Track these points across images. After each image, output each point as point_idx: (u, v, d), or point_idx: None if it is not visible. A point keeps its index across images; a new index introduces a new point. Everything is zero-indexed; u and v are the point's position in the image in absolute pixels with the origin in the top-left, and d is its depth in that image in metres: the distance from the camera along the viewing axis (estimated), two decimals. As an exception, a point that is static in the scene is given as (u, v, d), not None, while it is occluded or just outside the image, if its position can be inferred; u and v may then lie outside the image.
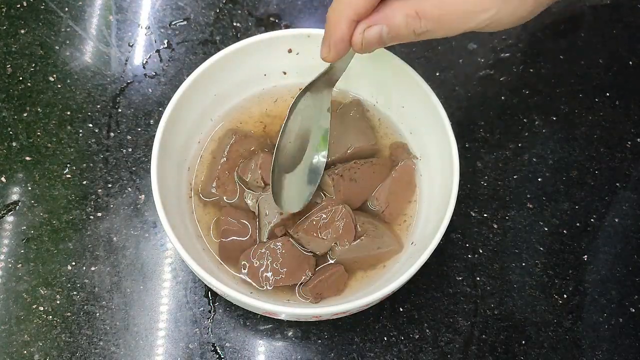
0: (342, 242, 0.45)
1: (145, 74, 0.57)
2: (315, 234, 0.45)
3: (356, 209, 0.47)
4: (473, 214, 0.52)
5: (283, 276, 0.44)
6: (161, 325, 0.47)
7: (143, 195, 0.52)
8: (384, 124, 0.51)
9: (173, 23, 0.60)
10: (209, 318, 0.48)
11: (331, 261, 0.45)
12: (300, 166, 0.46)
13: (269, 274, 0.44)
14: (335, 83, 0.45)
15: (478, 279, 0.49)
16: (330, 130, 0.48)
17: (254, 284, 0.44)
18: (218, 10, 0.61)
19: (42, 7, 0.60)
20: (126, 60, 0.58)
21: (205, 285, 0.48)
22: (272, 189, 0.44)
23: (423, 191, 0.48)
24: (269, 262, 0.44)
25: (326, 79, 0.44)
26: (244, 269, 0.45)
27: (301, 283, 0.44)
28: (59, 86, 0.56)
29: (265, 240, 0.45)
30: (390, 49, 0.48)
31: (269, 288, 0.44)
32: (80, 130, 0.54)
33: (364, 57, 0.49)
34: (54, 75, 0.57)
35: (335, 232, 0.44)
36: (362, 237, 0.45)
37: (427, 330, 0.47)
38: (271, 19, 0.60)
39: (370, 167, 0.47)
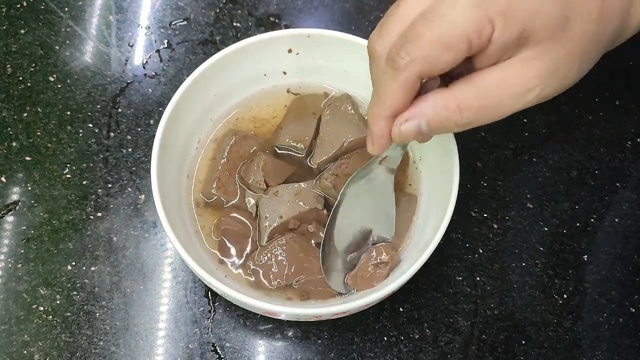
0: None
1: (145, 74, 0.57)
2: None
3: None
4: (473, 214, 0.52)
5: (292, 272, 0.44)
6: (161, 325, 0.47)
7: (143, 195, 0.52)
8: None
9: (173, 23, 0.60)
10: (209, 318, 0.48)
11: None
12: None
13: (277, 272, 0.44)
14: (394, 171, 0.43)
15: (478, 278, 0.49)
16: (322, 125, 0.49)
17: (265, 282, 0.44)
18: (218, 10, 0.61)
19: (42, 7, 0.60)
20: (126, 60, 0.58)
21: (205, 285, 0.48)
22: (326, 269, 0.44)
23: (423, 191, 0.48)
24: (275, 262, 0.44)
25: (385, 167, 0.43)
26: (252, 273, 0.45)
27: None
28: (59, 86, 0.56)
29: (264, 243, 0.45)
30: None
31: (282, 284, 0.44)
32: (80, 130, 0.54)
33: (363, 57, 0.49)
34: (54, 75, 0.57)
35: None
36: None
37: (427, 330, 0.47)
38: (271, 19, 0.60)
39: (358, 157, 0.48)
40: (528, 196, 0.53)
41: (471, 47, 0.33)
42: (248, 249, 0.46)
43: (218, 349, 0.47)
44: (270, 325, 0.47)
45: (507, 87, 0.34)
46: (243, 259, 0.46)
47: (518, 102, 0.35)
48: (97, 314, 0.47)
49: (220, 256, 0.46)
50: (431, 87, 0.36)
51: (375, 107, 0.37)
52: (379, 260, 0.44)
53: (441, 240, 0.42)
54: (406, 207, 0.47)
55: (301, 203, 0.46)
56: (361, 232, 0.45)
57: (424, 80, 0.36)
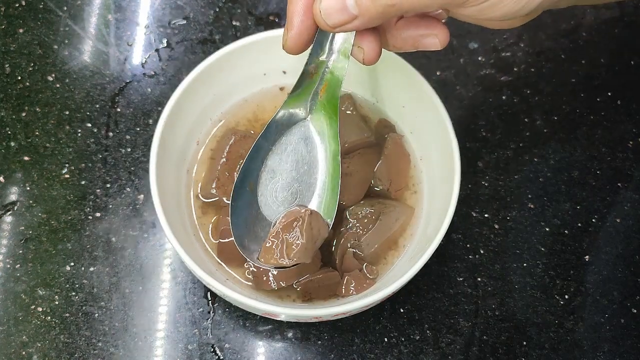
0: (362, 233, 0.44)
1: (144, 74, 0.57)
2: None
3: (363, 198, 0.47)
4: (474, 214, 0.51)
5: (291, 273, 0.44)
6: (160, 326, 0.47)
7: (142, 196, 0.51)
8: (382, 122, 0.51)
9: (172, 22, 0.60)
10: (208, 319, 0.47)
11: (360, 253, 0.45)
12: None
13: (277, 273, 0.44)
14: (337, 107, 0.37)
15: (479, 279, 0.49)
16: None
17: (265, 287, 0.44)
18: (217, 9, 0.60)
19: (41, 6, 0.60)
20: (125, 60, 0.58)
21: (205, 286, 0.48)
22: (240, 233, 0.37)
23: (424, 191, 0.48)
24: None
25: (325, 101, 0.36)
26: (252, 274, 0.44)
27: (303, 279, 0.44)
28: (58, 86, 0.56)
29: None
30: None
31: (282, 285, 0.44)
32: (79, 130, 0.54)
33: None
34: (53, 75, 0.56)
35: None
36: (380, 217, 0.45)
37: (428, 331, 0.47)
38: (271, 17, 0.60)
39: (360, 157, 0.47)
40: (529, 196, 0.52)
41: None
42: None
43: (217, 350, 0.46)
44: (269, 326, 0.47)
45: None
46: (242, 260, 0.45)
47: None
48: (96, 315, 0.47)
49: (219, 257, 0.45)
50: None
51: None
52: (287, 233, 0.37)
53: (442, 241, 0.41)
54: (398, 217, 0.46)
55: (301, 203, 0.45)
56: (293, 192, 0.38)
57: None
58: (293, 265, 0.38)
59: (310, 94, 0.37)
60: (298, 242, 0.37)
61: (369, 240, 0.45)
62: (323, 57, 0.36)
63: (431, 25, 0.36)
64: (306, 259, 0.38)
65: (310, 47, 0.35)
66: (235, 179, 0.39)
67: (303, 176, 0.38)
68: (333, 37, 0.35)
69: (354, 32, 0.34)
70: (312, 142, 0.38)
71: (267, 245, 0.38)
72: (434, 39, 0.36)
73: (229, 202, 0.47)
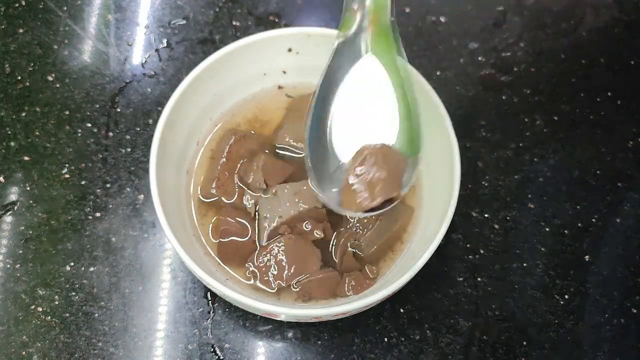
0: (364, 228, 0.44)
1: (144, 74, 0.57)
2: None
3: None
4: (474, 214, 0.51)
5: (292, 272, 0.44)
6: (160, 326, 0.47)
7: (142, 195, 0.51)
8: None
9: (172, 22, 0.60)
10: (208, 319, 0.47)
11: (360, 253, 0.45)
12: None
13: (277, 273, 0.44)
14: (398, 38, 0.34)
15: (479, 279, 0.49)
16: None
17: (265, 287, 0.44)
18: (217, 9, 0.60)
19: (41, 6, 0.60)
20: (125, 60, 0.58)
21: (205, 286, 0.48)
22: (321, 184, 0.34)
23: (424, 191, 0.48)
24: (275, 262, 0.44)
25: (381, 33, 0.34)
26: (252, 276, 0.44)
27: (298, 280, 0.44)
28: (58, 86, 0.56)
29: (264, 243, 0.45)
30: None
31: (282, 285, 0.44)
32: (79, 130, 0.54)
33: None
34: (53, 75, 0.56)
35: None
36: (380, 217, 0.45)
37: (428, 331, 0.47)
38: (271, 17, 0.60)
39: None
40: (529, 196, 0.52)
41: None
42: (247, 249, 0.46)
43: (217, 349, 0.46)
44: (269, 326, 0.47)
45: None
46: (242, 260, 0.45)
47: None
48: (96, 315, 0.47)
49: (219, 257, 0.45)
50: None
51: None
52: (372, 175, 0.35)
53: (442, 241, 0.41)
54: (398, 217, 0.46)
55: (301, 202, 0.45)
56: (361, 131, 0.36)
57: None
58: (380, 207, 0.35)
59: (360, 30, 0.35)
60: (378, 176, 0.35)
61: (369, 240, 0.45)
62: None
63: None
64: (392, 193, 0.35)
65: None
66: (306, 129, 0.36)
67: (373, 112, 0.36)
68: None
69: None
70: (374, 77, 0.36)
71: (347, 190, 0.36)
72: None
73: (229, 201, 0.47)
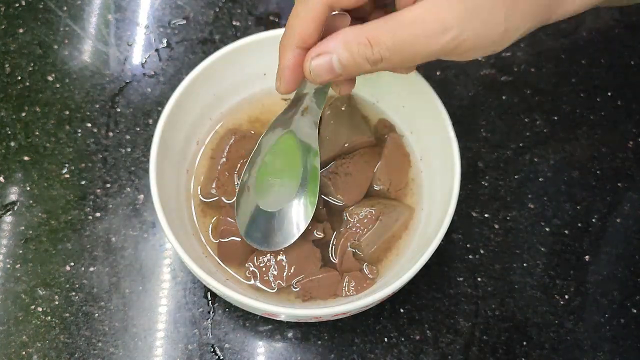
0: (362, 231, 0.45)
1: (144, 74, 0.57)
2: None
3: (363, 198, 0.47)
4: (474, 214, 0.51)
5: (292, 272, 0.44)
6: (160, 326, 0.47)
7: (142, 195, 0.51)
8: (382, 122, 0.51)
9: (172, 22, 0.60)
10: (208, 319, 0.47)
11: (360, 253, 0.45)
12: (286, 206, 0.44)
13: (277, 273, 0.44)
14: (317, 124, 0.43)
15: (479, 279, 0.49)
16: (323, 126, 0.48)
17: (265, 288, 0.44)
18: (217, 9, 0.60)
19: (41, 6, 0.60)
20: (125, 60, 0.58)
21: (205, 286, 0.48)
22: (244, 227, 0.43)
23: (424, 191, 0.48)
24: (275, 262, 0.44)
25: (308, 119, 0.43)
26: (252, 276, 0.44)
27: (298, 281, 0.44)
28: (58, 86, 0.56)
29: (235, 199, 0.45)
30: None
31: (282, 285, 0.44)
32: (79, 130, 0.54)
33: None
34: (53, 75, 0.56)
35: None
36: (380, 218, 0.45)
37: (428, 331, 0.47)
38: (271, 17, 0.60)
39: (360, 157, 0.47)
40: (529, 196, 0.52)
41: None
42: (247, 249, 0.45)
43: (217, 350, 0.46)
44: (269, 326, 0.47)
45: (422, 24, 0.33)
46: (242, 260, 0.45)
47: (433, 42, 0.33)
48: (96, 315, 0.47)
49: (219, 257, 0.45)
50: (343, 26, 0.36)
51: (284, 37, 0.36)
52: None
53: (442, 241, 0.41)
54: (398, 217, 0.46)
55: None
56: (283, 187, 0.43)
57: (333, 13, 0.36)
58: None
59: (293, 113, 0.43)
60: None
61: (369, 240, 0.45)
62: (305, 90, 0.42)
63: None
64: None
65: None
66: (237, 189, 0.45)
67: (285, 172, 0.44)
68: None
69: None
70: (292, 146, 0.44)
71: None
72: None
73: (229, 201, 0.47)
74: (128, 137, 0.54)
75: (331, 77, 0.36)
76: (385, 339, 0.47)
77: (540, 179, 0.53)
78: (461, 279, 0.49)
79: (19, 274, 0.48)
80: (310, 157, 0.44)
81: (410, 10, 0.33)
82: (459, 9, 0.33)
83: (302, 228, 0.43)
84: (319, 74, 0.36)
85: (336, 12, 0.36)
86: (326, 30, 0.36)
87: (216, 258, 0.45)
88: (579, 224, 0.51)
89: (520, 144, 0.54)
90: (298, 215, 0.43)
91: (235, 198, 0.44)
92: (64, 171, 0.52)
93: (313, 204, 0.43)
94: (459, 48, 0.34)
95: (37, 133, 0.54)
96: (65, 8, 0.60)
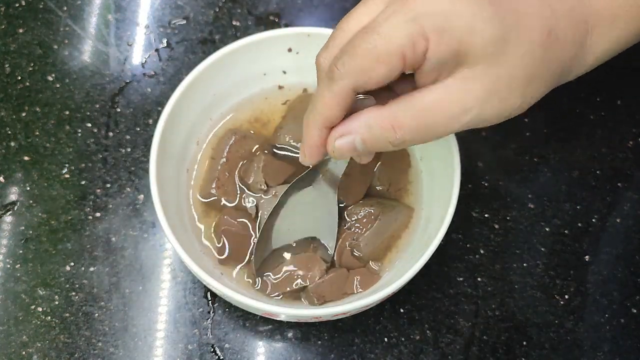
0: (361, 232, 0.45)
1: (144, 74, 0.57)
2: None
3: (362, 198, 0.47)
4: (474, 214, 0.51)
5: (294, 274, 0.44)
6: (160, 326, 0.47)
7: (142, 195, 0.51)
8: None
9: (172, 22, 0.60)
10: (208, 319, 0.47)
11: (357, 253, 0.45)
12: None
13: (278, 281, 0.44)
14: (337, 184, 0.44)
15: (479, 279, 0.49)
16: None
17: (265, 293, 0.44)
18: (217, 9, 0.60)
19: (41, 6, 0.60)
20: (125, 60, 0.58)
21: (205, 286, 0.48)
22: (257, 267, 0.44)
23: (424, 191, 0.48)
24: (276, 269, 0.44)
25: (327, 179, 0.44)
26: (254, 278, 0.45)
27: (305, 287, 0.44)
28: (58, 86, 0.56)
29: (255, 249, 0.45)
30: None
31: (287, 290, 0.44)
32: (79, 130, 0.54)
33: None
34: (53, 75, 0.56)
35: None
36: (380, 217, 0.45)
37: (428, 331, 0.47)
38: (271, 17, 0.60)
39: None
40: (529, 196, 0.52)
41: (405, 62, 0.33)
42: (248, 250, 0.46)
43: (217, 350, 0.46)
44: (270, 326, 0.47)
45: (443, 108, 0.34)
46: (243, 260, 0.45)
47: (454, 123, 0.34)
48: (96, 315, 0.47)
49: (219, 257, 0.45)
50: (367, 105, 0.36)
51: (310, 115, 0.37)
52: (298, 270, 0.44)
53: (442, 241, 0.41)
54: (397, 217, 0.46)
55: (301, 203, 0.46)
56: (298, 235, 0.45)
57: (359, 96, 0.36)
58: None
59: (316, 175, 0.44)
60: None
61: (367, 240, 0.45)
62: (326, 157, 0.42)
63: None
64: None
65: None
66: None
67: (311, 227, 0.45)
68: None
69: None
70: (317, 202, 0.45)
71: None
72: None
73: (230, 203, 0.47)
74: (128, 137, 0.54)
75: (353, 155, 0.38)
76: (385, 339, 0.47)
77: (540, 179, 0.53)
78: (461, 279, 0.49)
79: (19, 274, 0.48)
80: (330, 214, 0.44)
81: (431, 92, 0.34)
82: (479, 91, 0.34)
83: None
84: (342, 152, 0.37)
85: (362, 97, 0.37)
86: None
87: (216, 258, 0.45)
88: (579, 224, 0.51)
89: (521, 144, 0.54)
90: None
91: (253, 244, 0.45)
92: (64, 171, 0.52)
93: (331, 248, 0.45)
94: (477, 124, 0.35)
95: (37, 133, 0.54)
96: (65, 8, 0.60)
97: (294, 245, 0.45)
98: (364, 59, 0.33)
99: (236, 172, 0.48)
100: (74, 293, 0.48)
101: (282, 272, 0.44)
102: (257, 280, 0.44)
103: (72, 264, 0.49)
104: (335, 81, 0.34)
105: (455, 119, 0.34)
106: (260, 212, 0.46)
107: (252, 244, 0.45)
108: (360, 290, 0.44)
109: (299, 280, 0.44)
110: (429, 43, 0.32)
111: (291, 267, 0.44)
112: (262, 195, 0.47)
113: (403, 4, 0.33)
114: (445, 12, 0.32)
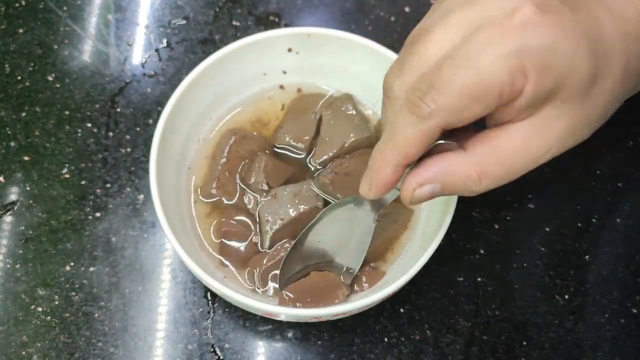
0: None
1: (144, 74, 0.57)
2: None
3: None
4: (474, 214, 0.51)
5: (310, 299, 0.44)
6: (160, 326, 0.47)
7: (142, 195, 0.51)
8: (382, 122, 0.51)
9: (172, 22, 0.60)
10: (208, 319, 0.47)
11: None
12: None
13: (295, 297, 0.44)
14: (381, 209, 0.42)
15: (479, 279, 0.49)
16: (323, 126, 0.48)
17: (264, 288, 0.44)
18: (217, 9, 0.60)
19: (41, 6, 0.60)
20: (125, 60, 0.58)
21: (205, 286, 0.48)
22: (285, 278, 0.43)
23: (424, 191, 0.48)
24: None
25: (373, 204, 0.42)
26: (253, 276, 0.45)
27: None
28: (58, 86, 0.56)
29: (267, 247, 0.45)
30: (390, 47, 0.48)
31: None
32: (79, 130, 0.54)
33: (364, 56, 0.49)
34: (53, 75, 0.56)
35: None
36: (379, 219, 0.45)
37: (428, 331, 0.47)
38: (271, 17, 0.60)
39: (360, 157, 0.47)
40: (529, 196, 0.52)
41: (501, 100, 0.30)
42: (249, 250, 0.46)
43: (217, 350, 0.46)
44: (270, 326, 0.47)
45: (530, 150, 0.33)
46: (243, 261, 0.45)
47: (534, 163, 0.33)
48: (96, 315, 0.47)
49: (220, 257, 0.45)
50: (446, 147, 0.33)
51: (388, 151, 0.34)
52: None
53: (442, 241, 0.41)
54: (397, 218, 0.46)
55: (301, 203, 0.45)
56: (328, 253, 0.44)
57: (439, 143, 0.33)
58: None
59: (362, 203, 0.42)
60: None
61: None
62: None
63: None
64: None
65: None
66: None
67: (342, 247, 0.44)
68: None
69: None
70: (351, 221, 0.43)
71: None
72: None
73: (230, 202, 0.47)
74: (128, 137, 0.54)
75: (428, 198, 0.35)
76: (385, 339, 0.47)
77: (540, 179, 0.53)
78: (461, 279, 0.49)
79: (19, 274, 0.48)
80: (363, 236, 0.43)
81: (517, 134, 0.32)
82: (562, 131, 0.33)
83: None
84: (420, 199, 0.35)
85: (442, 142, 0.34)
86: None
87: (217, 258, 0.46)
88: (579, 224, 0.51)
89: (520, 144, 0.54)
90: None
91: (284, 253, 0.44)
92: (64, 171, 0.52)
93: (355, 270, 0.44)
94: (549, 159, 0.34)
95: (37, 133, 0.54)
96: (65, 8, 0.60)
97: (322, 264, 0.44)
98: (459, 97, 0.30)
99: (237, 172, 0.48)
100: (74, 293, 0.48)
101: (302, 291, 0.43)
102: (280, 291, 0.44)
103: (72, 264, 0.49)
104: (423, 119, 0.31)
105: (537, 161, 0.33)
106: (260, 214, 0.46)
107: (256, 245, 0.46)
108: (367, 287, 0.44)
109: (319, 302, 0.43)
110: (528, 80, 0.30)
111: (313, 287, 0.44)
112: (263, 196, 0.46)
113: (499, 33, 0.30)
114: (548, 48, 0.30)
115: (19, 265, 0.49)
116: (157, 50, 0.58)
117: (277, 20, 0.60)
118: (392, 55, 0.47)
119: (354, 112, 0.49)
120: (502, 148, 0.33)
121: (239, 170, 0.48)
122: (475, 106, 0.30)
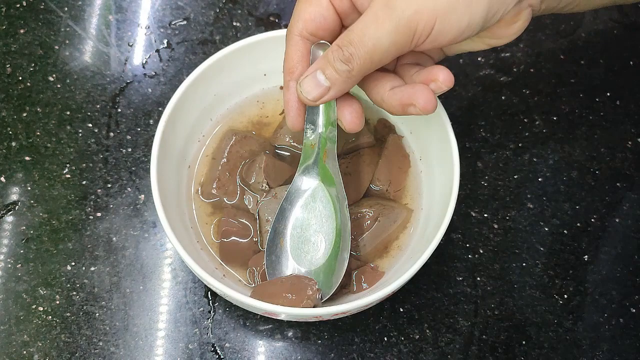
0: (360, 234, 0.45)
1: (144, 74, 0.57)
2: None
3: (362, 198, 0.47)
4: (473, 214, 0.52)
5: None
6: (161, 325, 0.47)
7: (143, 195, 0.52)
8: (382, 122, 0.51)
9: (173, 23, 0.60)
10: (208, 318, 0.47)
11: (356, 254, 0.45)
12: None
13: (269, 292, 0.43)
14: (338, 167, 0.43)
15: (478, 279, 0.49)
16: None
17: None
18: (218, 10, 0.61)
19: (42, 6, 0.60)
20: (126, 60, 0.58)
21: (205, 285, 0.48)
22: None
23: (423, 191, 0.48)
24: None
25: (330, 165, 0.43)
26: (253, 276, 0.45)
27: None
28: (59, 86, 0.56)
29: (266, 248, 0.45)
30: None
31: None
32: (80, 130, 0.54)
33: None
34: (54, 75, 0.57)
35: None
36: (379, 218, 0.45)
37: (428, 331, 0.47)
38: (271, 18, 0.60)
39: (360, 157, 0.48)
40: (528, 196, 0.52)
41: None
42: (249, 250, 0.46)
43: (218, 349, 0.46)
44: (270, 326, 0.47)
45: (374, 15, 0.36)
46: (243, 260, 0.45)
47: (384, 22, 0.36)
48: (97, 314, 0.47)
49: (220, 257, 0.46)
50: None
51: (283, 77, 0.41)
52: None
53: (441, 241, 0.42)
54: (396, 218, 0.47)
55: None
56: (318, 244, 0.44)
57: (319, 43, 0.40)
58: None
59: (316, 161, 0.43)
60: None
61: (366, 240, 0.45)
62: (318, 131, 0.42)
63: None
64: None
65: (306, 125, 0.42)
66: (267, 238, 0.44)
67: (322, 227, 0.43)
68: (319, 114, 0.42)
69: (335, 107, 0.41)
70: (325, 199, 0.43)
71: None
72: (434, 84, 0.39)
73: (230, 202, 0.47)
74: (129, 137, 0.54)
75: (321, 92, 0.39)
76: (385, 338, 0.47)
77: (539, 179, 0.53)
78: (461, 278, 0.49)
79: (20, 274, 0.48)
80: (342, 207, 0.43)
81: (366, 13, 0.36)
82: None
83: (335, 286, 0.43)
84: (309, 90, 0.39)
85: (321, 42, 0.40)
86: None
87: (217, 258, 0.46)
88: (578, 224, 0.52)
89: (520, 144, 0.55)
90: (332, 272, 0.43)
91: (266, 243, 0.43)
92: (65, 171, 0.52)
93: (346, 259, 0.43)
94: (435, 39, 0.36)
95: (38, 133, 0.54)
96: (66, 9, 0.60)
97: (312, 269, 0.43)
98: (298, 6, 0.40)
99: (237, 173, 0.48)
100: (74, 292, 0.48)
101: (276, 286, 0.43)
102: (256, 279, 0.44)
103: (73, 263, 0.49)
104: (289, 34, 0.40)
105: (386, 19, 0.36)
106: (260, 214, 0.46)
107: (256, 245, 0.46)
108: (367, 286, 0.44)
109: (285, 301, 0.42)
110: None
111: (284, 287, 0.43)
112: (263, 196, 0.47)
113: None
114: None
115: (20, 264, 0.49)
116: (157, 50, 0.58)
117: (277, 21, 0.60)
118: (391, 56, 0.47)
119: None
120: (357, 24, 0.37)
121: (239, 170, 0.48)
122: (310, 8, 0.40)
